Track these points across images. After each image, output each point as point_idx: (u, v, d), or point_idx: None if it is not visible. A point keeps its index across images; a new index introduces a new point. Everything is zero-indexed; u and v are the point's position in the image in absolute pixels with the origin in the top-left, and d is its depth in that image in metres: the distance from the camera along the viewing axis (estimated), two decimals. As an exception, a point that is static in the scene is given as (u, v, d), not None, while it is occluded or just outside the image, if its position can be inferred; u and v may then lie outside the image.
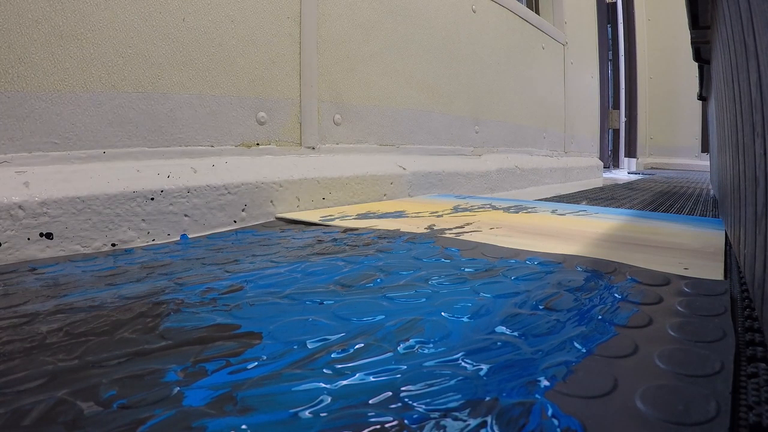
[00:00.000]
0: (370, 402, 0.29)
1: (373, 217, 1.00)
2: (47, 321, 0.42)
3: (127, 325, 0.41)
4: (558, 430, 0.26)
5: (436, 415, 0.28)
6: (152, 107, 0.86)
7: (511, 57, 2.16)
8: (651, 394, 0.29)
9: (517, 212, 1.12)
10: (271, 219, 1.01)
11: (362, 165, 1.30)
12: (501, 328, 0.41)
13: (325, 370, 0.33)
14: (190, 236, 0.84)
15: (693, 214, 1.38)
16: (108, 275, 0.57)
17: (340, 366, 0.34)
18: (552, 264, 0.62)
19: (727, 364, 0.33)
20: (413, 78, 1.53)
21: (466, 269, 0.60)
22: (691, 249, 0.72)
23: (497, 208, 1.17)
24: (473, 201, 1.32)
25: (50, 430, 0.26)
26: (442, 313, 0.44)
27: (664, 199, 1.85)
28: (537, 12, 2.66)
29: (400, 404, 0.29)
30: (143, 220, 0.79)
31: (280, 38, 1.10)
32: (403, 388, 0.31)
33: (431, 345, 0.37)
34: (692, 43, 1.31)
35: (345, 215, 1.02)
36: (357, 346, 0.37)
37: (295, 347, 0.37)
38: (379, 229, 0.86)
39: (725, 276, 0.58)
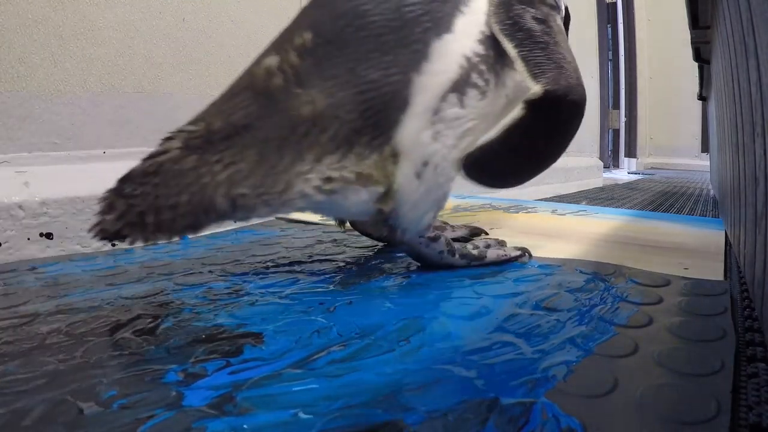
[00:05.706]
0: (370, 402, 0.29)
1: (373, 217, 1.00)
2: (47, 321, 0.42)
3: (127, 326, 0.41)
4: (558, 429, 0.26)
5: (436, 415, 0.28)
6: (153, 107, 0.86)
7: (511, 57, 2.15)
8: (651, 394, 0.29)
9: (517, 212, 1.12)
10: (272, 219, 1.01)
11: (362, 165, 1.29)
12: (501, 328, 0.41)
13: (325, 370, 0.33)
14: (190, 236, 0.84)
15: (693, 214, 1.38)
16: (108, 275, 0.57)
17: (340, 366, 0.34)
18: (552, 265, 0.62)
19: (727, 363, 0.33)
20: (413, 78, 1.53)
21: (466, 269, 0.60)
22: (691, 249, 0.72)
23: (497, 208, 1.17)
24: (473, 201, 1.32)
25: (50, 430, 0.26)
26: (442, 314, 0.44)
27: (664, 199, 1.85)
28: (537, 12, 2.65)
29: (400, 404, 0.29)
30: (143, 220, 0.79)
31: (280, 38, 1.10)
32: (403, 388, 0.31)
33: (431, 345, 0.37)
34: (692, 43, 1.31)
35: (345, 215, 1.02)
36: (357, 346, 0.37)
37: (295, 347, 0.37)
38: (379, 229, 0.86)
39: (725, 276, 0.58)
